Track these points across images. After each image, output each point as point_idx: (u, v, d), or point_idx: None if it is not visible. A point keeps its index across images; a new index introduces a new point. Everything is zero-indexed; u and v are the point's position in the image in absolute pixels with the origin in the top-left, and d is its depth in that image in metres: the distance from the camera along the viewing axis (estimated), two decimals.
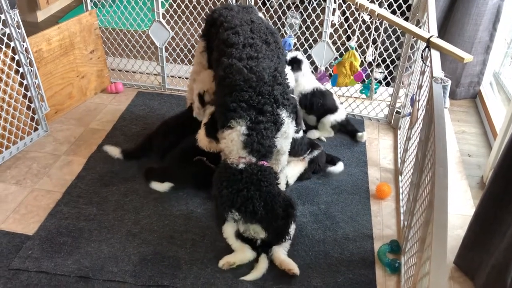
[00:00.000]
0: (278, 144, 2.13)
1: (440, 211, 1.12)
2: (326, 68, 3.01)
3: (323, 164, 2.56)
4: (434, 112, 1.58)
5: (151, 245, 2.12)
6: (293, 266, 2.01)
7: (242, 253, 2.04)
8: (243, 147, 2.01)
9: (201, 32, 2.58)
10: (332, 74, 2.87)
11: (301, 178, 2.52)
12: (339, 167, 2.58)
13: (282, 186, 2.32)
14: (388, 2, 2.81)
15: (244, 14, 2.32)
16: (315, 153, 2.52)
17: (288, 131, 2.15)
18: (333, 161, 2.61)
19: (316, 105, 2.81)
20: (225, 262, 2.02)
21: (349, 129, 2.92)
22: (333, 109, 2.85)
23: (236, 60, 2.04)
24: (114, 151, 2.57)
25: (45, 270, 1.98)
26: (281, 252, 2.05)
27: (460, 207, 2.42)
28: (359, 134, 2.87)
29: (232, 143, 2.02)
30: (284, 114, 2.08)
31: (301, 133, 2.48)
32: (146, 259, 2.05)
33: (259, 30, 2.20)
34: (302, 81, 2.80)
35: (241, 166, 2.00)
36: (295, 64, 2.75)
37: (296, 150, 2.41)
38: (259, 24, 2.25)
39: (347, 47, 2.94)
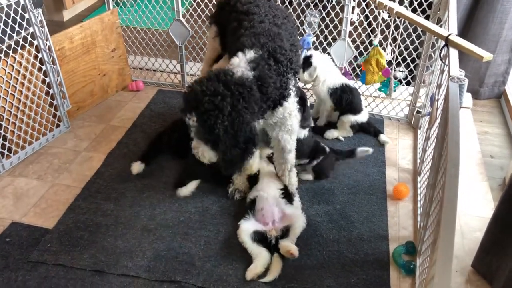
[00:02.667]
0: (281, 139, 2.11)
1: (449, 211, 1.10)
2: (349, 63, 2.99)
3: (328, 168, 2.52)
4: (449, 111, 1.54)
5: (166, 241, 2.14)
6: (291, 248, 2.00)
7: (262, 259, 2.01)
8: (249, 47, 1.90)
9: (211, 17, 2.55)
10: (361, 71, 2.86)
11: (318, 177, 2.51)
12: (364, 151, 2.58)
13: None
14: (409, 0, 2.77)
15: None
16: (314, 162, 2.48)
17: (291, 121, 2.08)
18: (350, 154, 2.59)
19: (345, 100, 2.78)
20: (253, 275, 1.97)
21: (370, 130, 2.88)
22: (357, 110, 2.82)
23: (258, 23, 2.03)
24: (137, 167, 2.51)
25: (63, 263, 2.03)
26: (287, 241, 2.05)
27: (480, 209, 2.37)
28: (382, 136, 2.83)
29: (235, 63, 1.90)
30: (291, 86, 2.00)
31: (306, 133, 2.45)
32: (160, 255, 2.07)
33: (276, 8, 2.21)
34: (328, 77, 2.78)
35: (239, 73, 1.83)
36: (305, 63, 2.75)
37: (298, 149, 2.37)
38: (276, 4, 2.27)
39: (366, 45, 2.91)
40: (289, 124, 2.09)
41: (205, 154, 1.93)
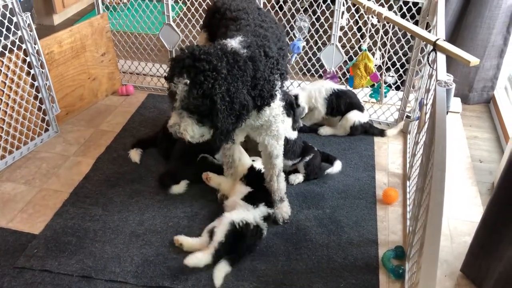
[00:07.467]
0: (268, 145, 2.10)
1: (434, 216, 1.10)
2: (340, 67, 3.01)
3: (318, 166, 2.53)
4: (436, 115, 1.55)
5: (154, 246, 2.13)
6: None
7: (194, 242, 2.08)
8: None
9: (202, 24, 2.52)
10: (347, 75, 2.87)
11: (310, 176, 2.52)
12: (336, 167, 2.53)
13: None
14: (398, 5, 2.78)
15: (248, 4, 2.28)
16: (307, 158, 2.48)
17: (277, 126, 2.06)
18: (329, 160, 2.57)
19: (344, 104, 2.81)
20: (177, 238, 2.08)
21: (374, 132, 2.91)
22: (360, 107, 2.85)
23: (244, 26, 2.00)
24: (134, 155, 2.65)
25: (49, 269, 2.00)
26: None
27: (469, 213, 2.37)
28: (389, 132, 2.88)
29: (227, 41, 1.81)
30: (278, 87, 1.95)
31: (295, 135, 2.46)
32: (148, 260, 2.05)
33: (266, 16, 2.19)
34: (318, 96, 2.82)
35: (232, 47, 1.76)
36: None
37: (288, 151, 2.37)
38: (265, 12, 2.24)
39: (356, 50, 2.92)
40: (274, 129, 2.07)
41: (189, 129, 1.72)
